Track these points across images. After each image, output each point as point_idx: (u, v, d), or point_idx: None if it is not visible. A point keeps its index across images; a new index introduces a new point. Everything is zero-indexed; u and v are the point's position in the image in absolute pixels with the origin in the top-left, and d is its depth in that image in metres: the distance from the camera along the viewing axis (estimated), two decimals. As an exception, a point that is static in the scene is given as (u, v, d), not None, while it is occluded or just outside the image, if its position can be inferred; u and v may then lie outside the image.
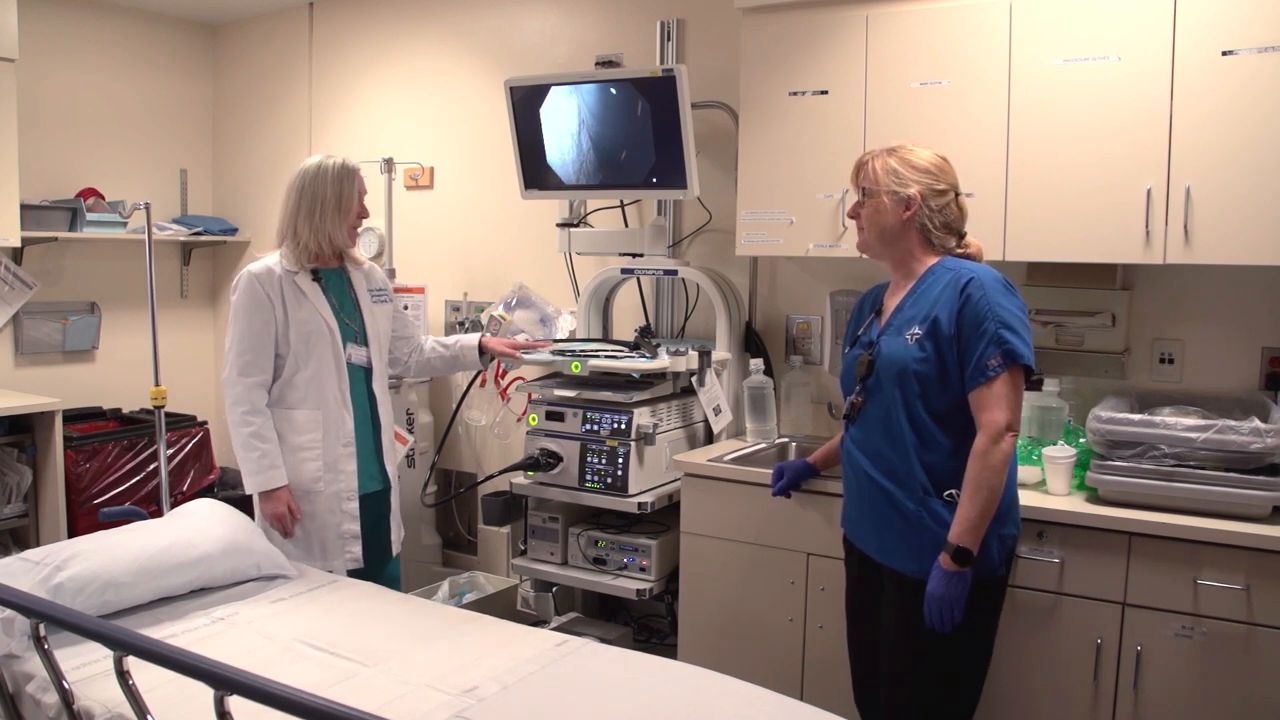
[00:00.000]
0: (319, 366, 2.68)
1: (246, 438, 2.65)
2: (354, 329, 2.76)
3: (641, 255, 3.27)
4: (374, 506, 2.81)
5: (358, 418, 2.74)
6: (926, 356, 2.00)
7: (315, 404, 2.69)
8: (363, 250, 3.18)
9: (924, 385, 2.00)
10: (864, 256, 2.25)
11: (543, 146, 3.26)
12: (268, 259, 2.70)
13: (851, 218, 2.19)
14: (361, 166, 2.77)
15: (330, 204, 2.67)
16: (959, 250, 2.12)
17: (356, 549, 2.74)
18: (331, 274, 2.76)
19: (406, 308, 3.35)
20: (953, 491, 1.99)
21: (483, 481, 3.38)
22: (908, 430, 2.02)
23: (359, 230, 2.78)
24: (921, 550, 2.00)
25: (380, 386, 2.82)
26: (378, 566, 2.81)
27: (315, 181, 2.67)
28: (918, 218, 2.07)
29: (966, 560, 1.93)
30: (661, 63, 3.41)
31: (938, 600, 1.95)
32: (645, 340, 3.00)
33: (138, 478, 4.13)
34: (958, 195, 2.11)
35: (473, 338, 3.02)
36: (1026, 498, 2.34)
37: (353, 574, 2.70)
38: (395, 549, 2.87)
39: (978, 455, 1.94)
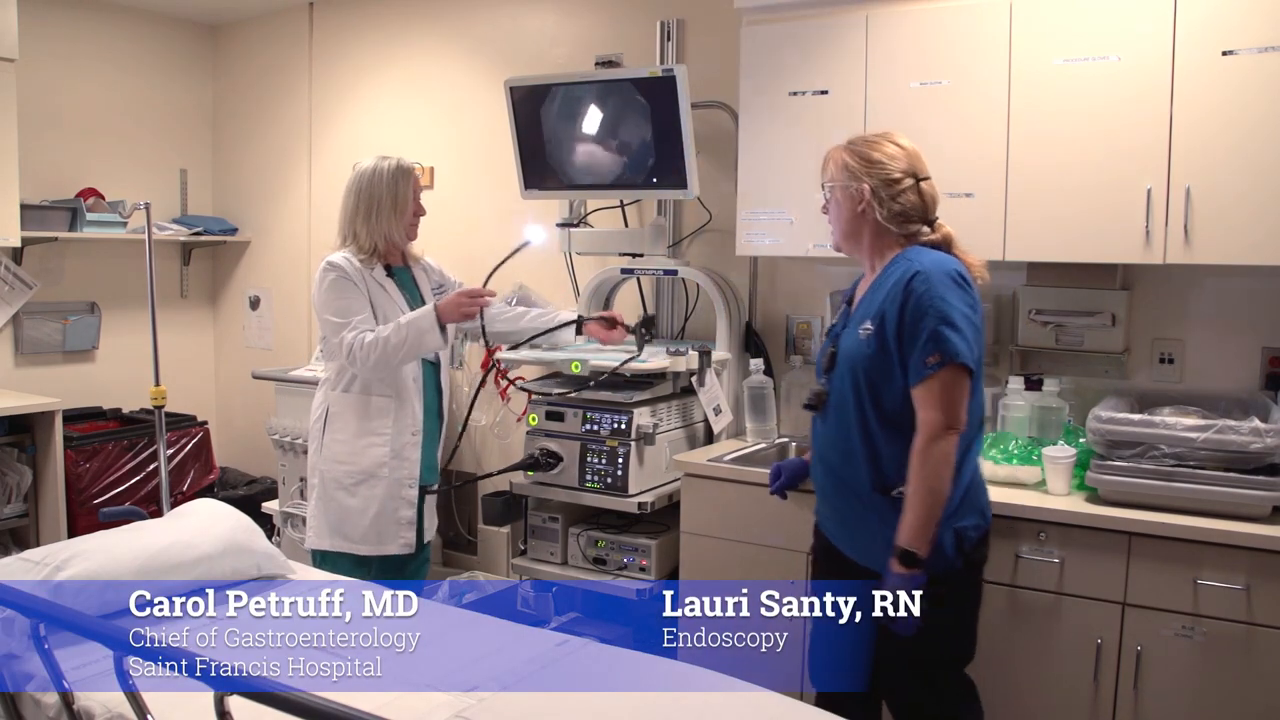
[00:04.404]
0: None
1: (384, 344, 2.62)
2: None
3: (641, 255, 3.27)
4: (421, 497, 2.85)
5: (426, 409, 2.80)
6: (874, 353, 1.99)
7: (389, 392, 2.74)
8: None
9: (873, 381, 2.00)
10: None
11: (543, 146, 3.25)
12: (339, 254, 2.75)
13: (824, 213, 2.18)
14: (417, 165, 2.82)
15: (386, 205, 2.74)
16: (928, 237, 2.07)
17: (410, 535, 2.78)
18: (401, 271, 2.83)
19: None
20: (903, 489, 1.97)
21: (481, 478, 3.39)
22: (859, 425, 2.02)
23: (417, 226, 2.83)
24: (880, 543, 1.99)
25: (446, 380, 2.89)
26: (418, 554, 2.88)
27: (371, 184, 2.74)
28: (870, 211, 2.05)
29: (914, 562, 1.92)
30: (661, 63, 3.41)
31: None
32: (644, 331, 2.95)
33: (138, 478, 4.13)
34: (920, 181, 2.06)
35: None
36: (1026, 498, 2.35)
37: (395, 559, 2.77)
38: (428, 537, 2.93)
39: (915, 455, 1.93)
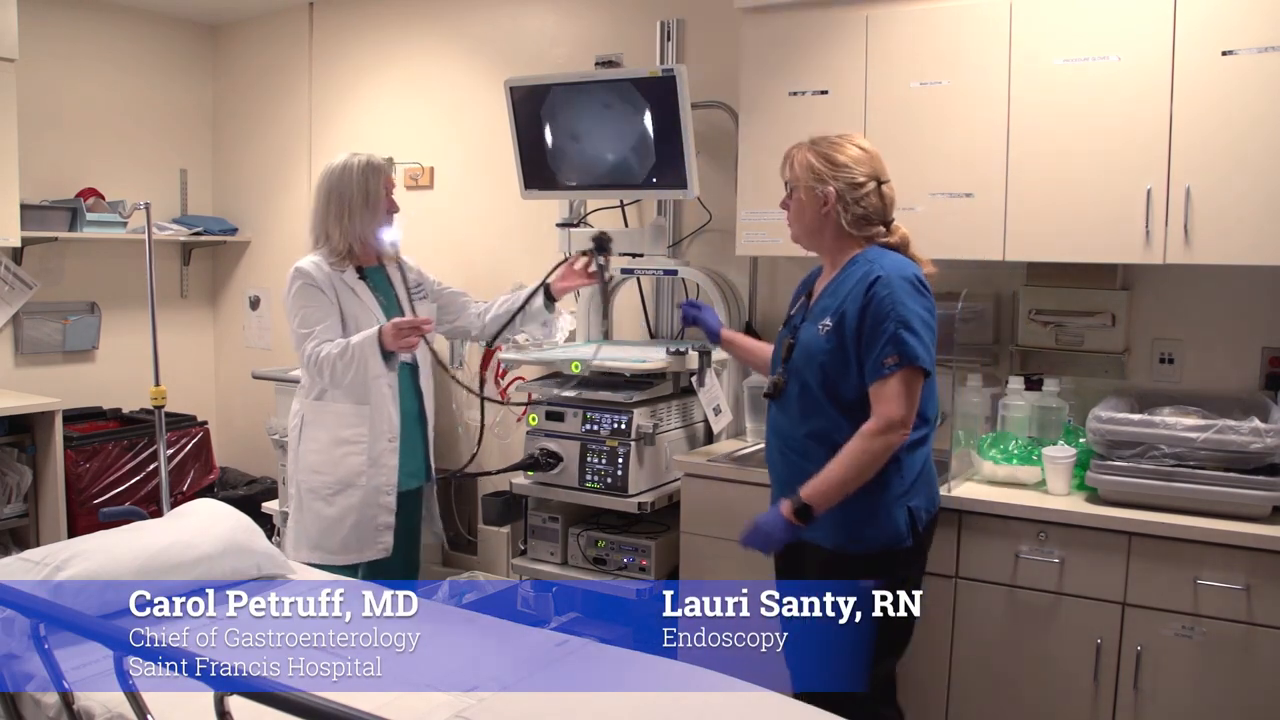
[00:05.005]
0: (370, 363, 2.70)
1: (332, 365, 2.60)
2: None
3: (641, 255, 3.27)
4: (412, 501, 2.83)
5: (404, 414, 2.76)
6: (832, 349, 2.06)
7: (363, 399, 2.70)
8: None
9: (831, 374, 2.07)
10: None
11: (543, 146, 3.25)
12: (308, 259, 2.71)
13: (783, 209, 2.22)
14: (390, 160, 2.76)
15: (358, 203, 2.69)
16: (885, 238, 2.14)
17: (388, 539, 2.75)
18: (374, 271, 2.78)
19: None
20: None
21: (480, 475, 3.39)
22: (817, 414, 2.09)
23: (391, 224, 2.77)
24: (833, 523, 2.05)
25: (426, 383, 2.84)
26: (412, 557, 2.86)
27: (341, 182, 2.69)
28: (834, 213, 2.11)
29: (806, 516, 2.00)
30: (661, 63, 3.41)
31: (760, 534, 2.05)
32: (600, 254, 2.88)
33: (138, 478, 4.13)
34: (881, 185, 2.12)
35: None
36: (1026, 498, 2.35)
37: (384, 563, 2.74)
38: (437, 539, 2.94)
39: (863, 434, 2.00)
